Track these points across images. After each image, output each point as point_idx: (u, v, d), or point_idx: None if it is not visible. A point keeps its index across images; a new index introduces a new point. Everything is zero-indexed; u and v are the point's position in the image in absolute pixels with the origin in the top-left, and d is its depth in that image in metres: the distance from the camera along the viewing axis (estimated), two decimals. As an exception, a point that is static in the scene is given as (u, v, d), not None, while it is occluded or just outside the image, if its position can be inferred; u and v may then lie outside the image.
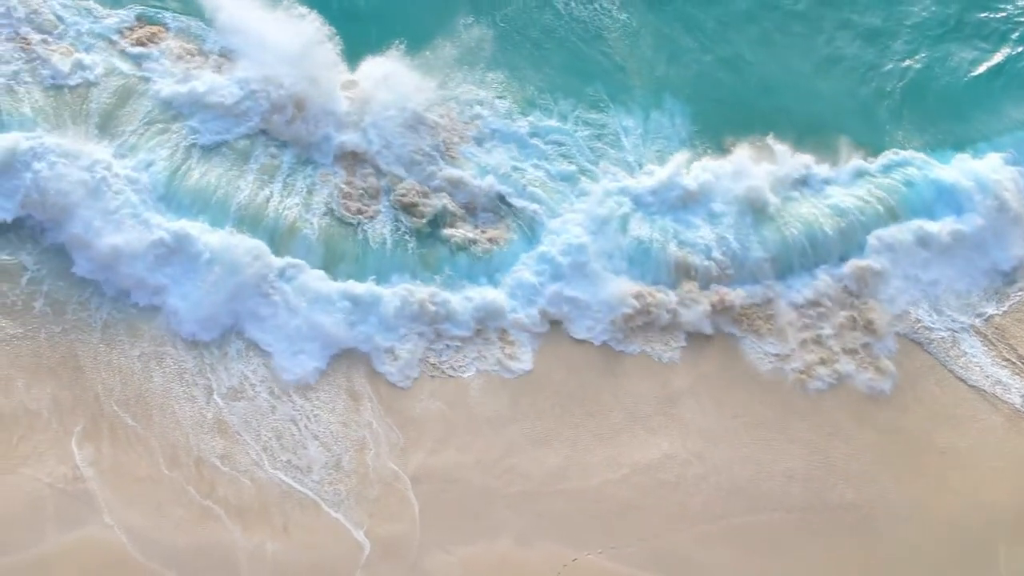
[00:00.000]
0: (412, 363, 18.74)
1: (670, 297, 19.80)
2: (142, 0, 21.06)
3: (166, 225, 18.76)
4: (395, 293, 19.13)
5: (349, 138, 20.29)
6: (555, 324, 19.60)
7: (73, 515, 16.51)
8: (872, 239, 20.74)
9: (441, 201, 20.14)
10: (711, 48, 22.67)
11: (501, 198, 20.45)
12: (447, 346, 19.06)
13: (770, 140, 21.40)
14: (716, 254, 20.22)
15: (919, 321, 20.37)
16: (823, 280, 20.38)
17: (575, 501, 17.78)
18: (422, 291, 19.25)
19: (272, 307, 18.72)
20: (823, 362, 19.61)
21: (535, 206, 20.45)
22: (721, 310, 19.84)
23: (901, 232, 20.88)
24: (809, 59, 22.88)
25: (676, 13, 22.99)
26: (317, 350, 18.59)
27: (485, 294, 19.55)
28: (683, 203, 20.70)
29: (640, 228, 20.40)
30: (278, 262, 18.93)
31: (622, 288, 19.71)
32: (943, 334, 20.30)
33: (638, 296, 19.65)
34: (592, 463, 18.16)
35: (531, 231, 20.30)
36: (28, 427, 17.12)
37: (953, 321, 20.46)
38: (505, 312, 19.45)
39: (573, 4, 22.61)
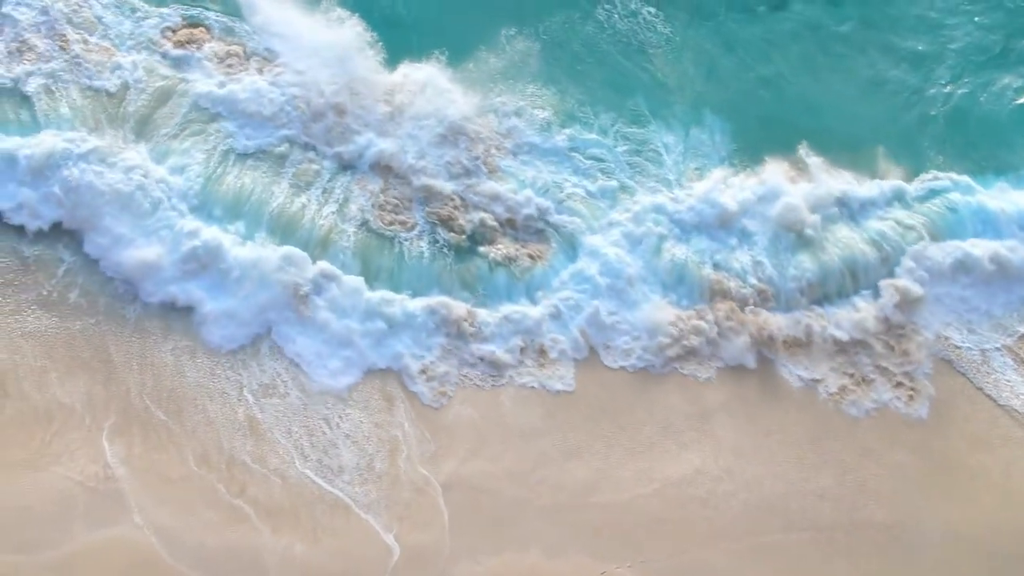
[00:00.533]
0: (447, 381, 18.52)
1: (709, 324, 19.47)
2: (184, 0, 20.91)
3: (200, 234, 18.55)
4: (431, 310, 18.92)
5: (386, 147, 20.05)
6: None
7: (103, 514, 16.45)
8: (908, 260, 20.45)
9: (479, 215, 19.92)
10: (753, 66, 22.58)
11: (539, 213, 20.17)
12: (482, 359, 18.84)
13: (803, 152, 21.25)
14: (752, 279, 19.96)
15: (948, 339, 20.23)
16: (863, 308, 20.02)
17: (605, 514, 17.73)
18: (459, 308, 19.03)
19: (303, 322, 18.51)
20: (859, 385, 19.47)
21: (575, 220, 20.20)
22: (761, 342, 19.54)
23: (940, 253, 20.59)
24: (851, 81, 22.73)
25: (718, 29, 22.90)
26: (349, 365, 18.42)
27: (524, 313, 19.29)
28: (721, 222, 20.45)
29: (677, 248, 20.17)
30: (313, 270, 18.72)
31: (659, 314, 19.44)
32: (974, 353, 20.16)
33: (675, 322, 19.40)
34: (624, 477, 18.11)
35: (571, 248, 20.03)
36: (62, 423, 17.07)
37: (984, 340, 20.29)
38: (544, 332, 19.20)
39: (616, 18, 22.49)
